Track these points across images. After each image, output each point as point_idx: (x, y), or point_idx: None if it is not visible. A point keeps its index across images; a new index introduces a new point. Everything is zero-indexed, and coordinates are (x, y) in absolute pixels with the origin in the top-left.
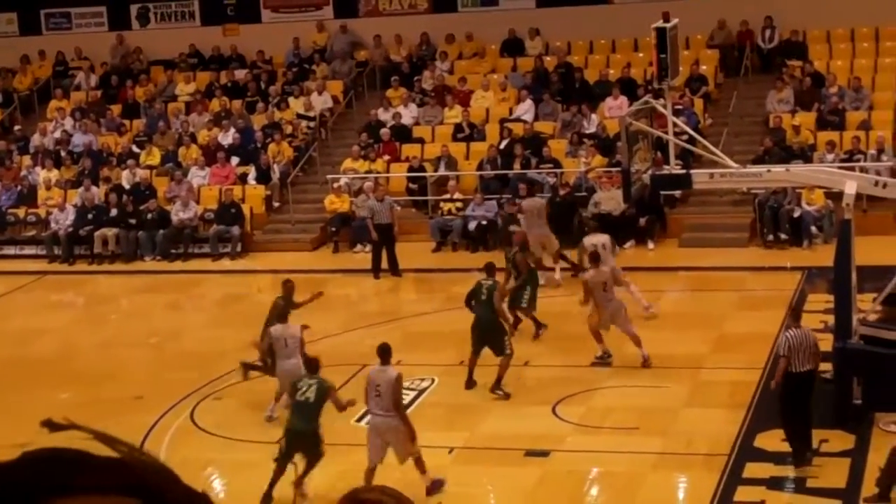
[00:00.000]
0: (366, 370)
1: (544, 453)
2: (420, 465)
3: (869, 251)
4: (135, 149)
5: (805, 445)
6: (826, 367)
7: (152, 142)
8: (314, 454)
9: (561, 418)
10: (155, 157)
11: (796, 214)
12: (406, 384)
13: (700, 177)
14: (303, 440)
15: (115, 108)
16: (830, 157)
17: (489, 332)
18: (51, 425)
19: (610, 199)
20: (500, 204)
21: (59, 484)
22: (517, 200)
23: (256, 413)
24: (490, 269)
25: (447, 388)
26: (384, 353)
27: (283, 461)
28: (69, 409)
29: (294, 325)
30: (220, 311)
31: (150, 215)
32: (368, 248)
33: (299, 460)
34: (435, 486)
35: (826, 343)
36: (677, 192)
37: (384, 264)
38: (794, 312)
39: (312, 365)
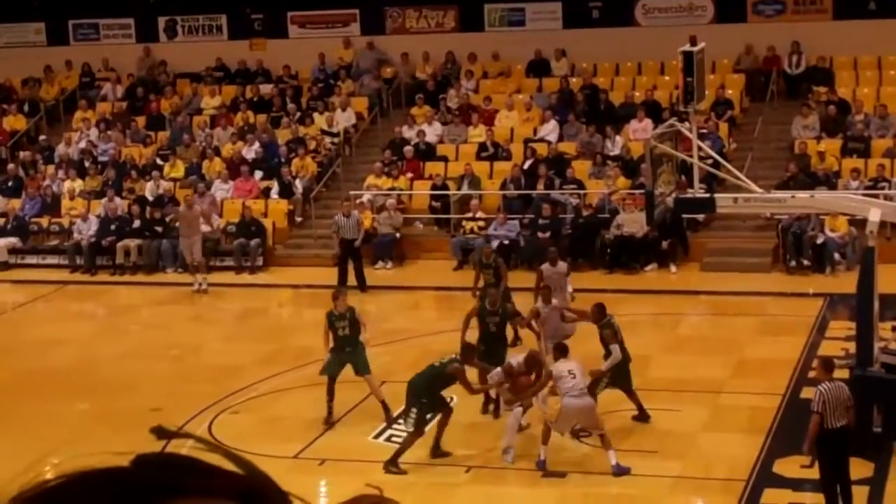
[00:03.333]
0: (384, 387)
1: (561, 475)
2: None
3: (892, 279)
4: (159, 161)
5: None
6: None
7: (176, 154)
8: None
9: (579, 440)
10: (179, 169)
11: (819, 241)
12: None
13: (724, 201)
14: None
15: (140, 120)
16: (855, 184)
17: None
18: (160, 432)
19: (633, 222)
20: (523, 224)
21: (171, 486)
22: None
23: (273, 427)
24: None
25: (465, 407)
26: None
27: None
28: (87, 420)
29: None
30: (240, 325)
31: (177, 224)
32: (390, 264)
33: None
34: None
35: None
36: (700, 216)
37: (351, 280)
38: (827, 364)
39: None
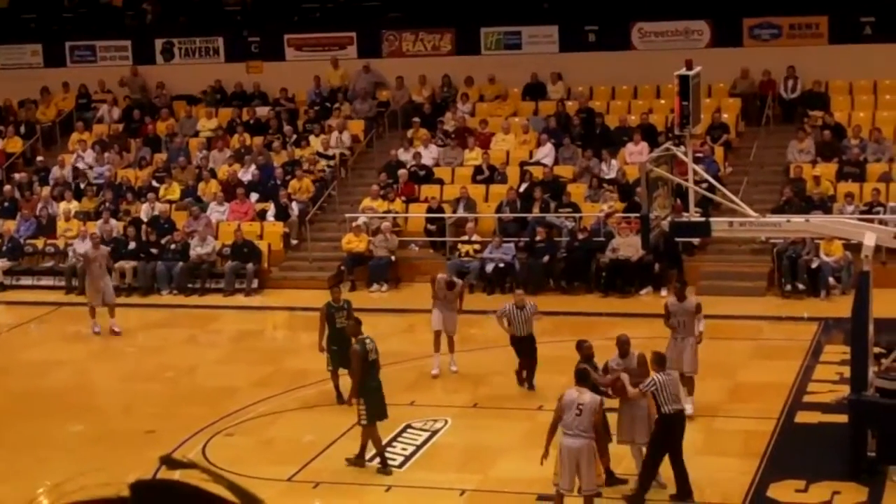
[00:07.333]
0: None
1: None
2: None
3: (887, 303)
4: (154, 183)
5: (685, 488)
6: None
7: (172, 176)
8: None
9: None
10: (174, 191)
11: (814, 265)
12: (419, 425)
13: (719, 225)
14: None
15: (136, 142)
16: (850, 208)
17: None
18: (169, 462)
19: (628, 245)
20: (518, 247)
21: None
22: None
23: (267, 449)
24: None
25: (461, 430)
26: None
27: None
28: (82, 442)
29: None
30: (235, 347)
31: (173, 246)
32: (385, 287)
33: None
34: None
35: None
36: (696, 240)
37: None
38: (659, 358)
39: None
